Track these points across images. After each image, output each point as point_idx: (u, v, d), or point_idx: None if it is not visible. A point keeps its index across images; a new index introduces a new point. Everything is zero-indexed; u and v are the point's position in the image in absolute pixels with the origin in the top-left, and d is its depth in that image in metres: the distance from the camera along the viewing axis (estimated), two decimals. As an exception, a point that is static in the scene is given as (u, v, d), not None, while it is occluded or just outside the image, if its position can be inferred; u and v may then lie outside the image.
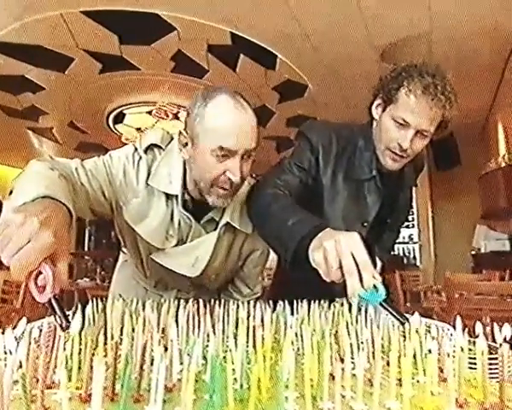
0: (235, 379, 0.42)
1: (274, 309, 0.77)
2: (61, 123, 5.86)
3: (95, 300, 0.75)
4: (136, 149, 0.94)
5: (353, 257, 0.64)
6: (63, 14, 3.45)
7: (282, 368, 0.39)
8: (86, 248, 8.88)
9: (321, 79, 4.57)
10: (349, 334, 0.62)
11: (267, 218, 0.88)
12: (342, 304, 0.80)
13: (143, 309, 0.74)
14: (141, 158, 0.93)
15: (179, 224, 0.93)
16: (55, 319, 0.50)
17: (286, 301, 0.77)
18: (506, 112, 4.52)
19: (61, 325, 0.49)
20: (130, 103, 5.22)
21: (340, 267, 0.65)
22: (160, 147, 0.95)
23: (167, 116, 4.93)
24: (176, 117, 5.15)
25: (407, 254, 6.64)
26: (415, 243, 6.70)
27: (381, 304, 0.64)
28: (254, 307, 0.75)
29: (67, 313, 0.55)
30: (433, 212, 6.72)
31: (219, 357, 0.43)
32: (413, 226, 6.50)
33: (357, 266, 0.64)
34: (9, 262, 0.52)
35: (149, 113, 5.34)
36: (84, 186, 0.85)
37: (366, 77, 4.27)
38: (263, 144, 6.58)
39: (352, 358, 0.50)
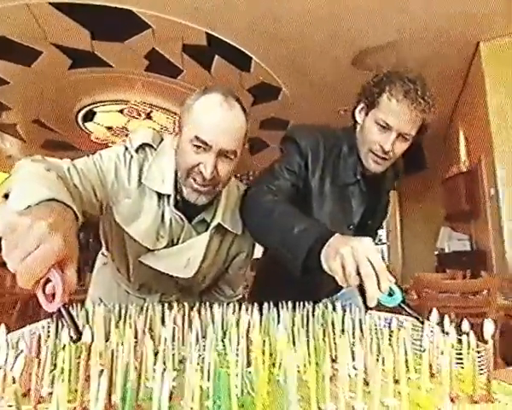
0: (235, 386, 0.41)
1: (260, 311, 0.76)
2: (25, 119, 5.57)
3: (75, 305, 0.71)
4: (126, 149, 0.91)
5: (370, 262, 0.65)
6: (29, 4, 3.28)
7: (285, 371, 0.38)
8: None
9: (294, 83, 4.62)
10: (334, 335, 0.62)
11: (270, 227, 0.87)
12: (326, 305, 0.80)
13: (125, 314, 0.71)
14: (132, 157, 0.91)
15: (170, 224, 0.92)
16: (66, 330, 0.46)
17: (271, 303, 0.77)
18: (466, 120, 4.77)
19: (71, 337, 0.44)
20: (101, 101, 5.05)
21: (358, 273, 0.66)
22: (151, 146, 0.93)
23: (140, 115, 4.80)
24: (148, 117, 5.02)
25: (376, 254, 6.86)
26: (383, 243, 6.94)
27: (399, 305, 0.65)
28: (240, 309, 0.74)
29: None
30: (401, 214, 6.99)
31: (222, 364, 0.41)
32: (382, 227, 6.73)
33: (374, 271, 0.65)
34: (16, 269, 0.47)
35: (121, 111, 5.18)
36: (78, 188, 0.81)
37: (338, 81, 4.38)
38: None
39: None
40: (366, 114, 1.00)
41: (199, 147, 0.82)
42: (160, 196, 0.91)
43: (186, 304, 0.74)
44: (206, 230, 0.94)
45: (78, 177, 0.82)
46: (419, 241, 6.57)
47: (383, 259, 7.10)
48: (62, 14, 3.40)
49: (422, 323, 0.59)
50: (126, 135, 5.41)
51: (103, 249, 1.12)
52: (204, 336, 0.65)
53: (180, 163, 0.87)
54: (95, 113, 5.40)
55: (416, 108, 0.91)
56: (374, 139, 0.96)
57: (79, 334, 0.44)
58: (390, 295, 0.65)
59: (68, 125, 5.76)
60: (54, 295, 0.49)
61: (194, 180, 0.85)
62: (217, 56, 4.07)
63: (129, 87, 4.66)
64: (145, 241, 0.90)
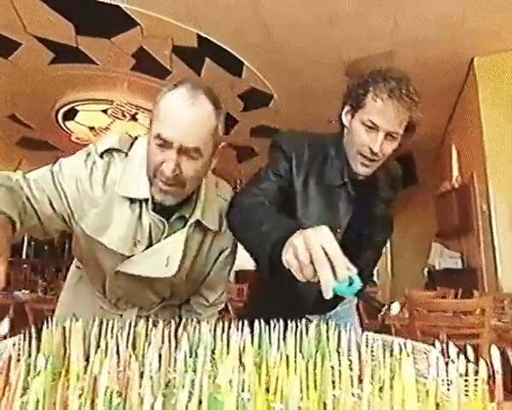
0: None
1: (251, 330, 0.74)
2: (0, 114, 5.44)
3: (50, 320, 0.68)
4: (89, 154, 0.90)
5: (324, 250, 0.62)
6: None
7: (285, 400, 0.36)
8: (24, 256, 8.23)
9: (287, 90, 4.67)
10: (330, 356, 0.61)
11: (246, 226, 0.88)
12: (318, 324, 0.79)
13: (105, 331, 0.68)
14: (95, 163, 0.89)
15: (150, 228, 0.90)
16: None
17: (262, 321, 0.75)
18: (459, 136, 4.89)
19: None
20: (84, 100, 4.98)
21: (312, 263, 0.63)
22: (120, 151, 0.91)
23: (124, 117, 4.74)
24: (134, 118, 4.97)
25: (364, 269, 6.94)
26: (372, 258, 7.03)
27: (356, 294, 0.62)
28: (229, 327, 0.72)
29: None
30: (392, 228, 7.09)
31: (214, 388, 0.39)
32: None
33: (328, 259, 0.62)
34: None
35: (105, 111, 5.12)
36: (30, 201, 0.80)
37: (331, 91, 4.44)
38: (224, 153, 6.56)
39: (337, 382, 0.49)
40: (352, 117, 1.02)
41: (162, 145, 0.81)
42: (131, 200, 0.89)
43: (172, 321, 0.72)
44: (184, 227, 0.93)
45: (29, 190, 0.82)
46: (409, 256, 6.66)
47: (372, 274, 7.19)
48: (44, 4, 3.33)
49: (380, 310, 0.59)
50: (110, 136, 5.33)
51: (77, 262, 1.09)
52: (191, 356, 0.63)
53: (148, 162, 0.86)
54: (77, 111, 5.32)
55: (402, 105, 0.93)
56: (361, 141, 0.99)
57: None
58: (350, 285, 0.62)
59: (47, 123, 5.66)
60: None
61: (160, 180, 0.84)
62: (207, 59, 4.08)
63: (114, 86, 4.61)
64: (121, 248, 0.89)
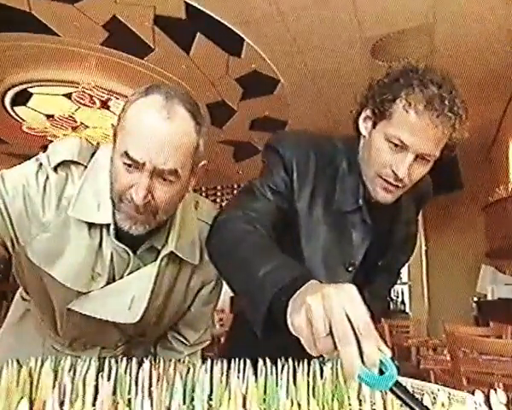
0: None
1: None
2: None
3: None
4: (41, 166, 0.91)
5: (348, 319, 0.56)
6: None
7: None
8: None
9: (297, 75, 4.70)
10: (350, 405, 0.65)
11: (233, 264, 0.87)
12: (323, 363, 0.80)
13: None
14: (48, 178, 0.90)
15: (111, 259, 0.93)
16: None
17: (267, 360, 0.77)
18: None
19: None
20: (40, 80, 5.00)
21: (331, 334, 0.57)
22: (78, 163, 0.93)
23: (93, 103, 4.80)
24: (105, 105, 5.03)
25: (394, 297, 6.89)
26: (404, 283, 6.97)
27: (391, 390, 0.55)
28: (229, 367, 0.76)
29: None
30: (427, 246, 7.07)
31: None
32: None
33: (354, 331, 0.56)
34: None
35: (68, 96, 5.17)
36: None
37: (352, 76, 4.47)
38: (218, 150, 6.61)
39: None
40: (374, 126, 0.98)
41: (130, 165, 0.83)
42: (90, 224, 0.91)
43: (162, 361, 0.75)
44: (156, 259, 0.95)
45: None
46: (450, 281, 6.63)
47: (403, 303, 7.08)
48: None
49: None
50: (74, 128, 5.37)
51: (22, 292, 1.12)
52: (184, 402, 0.67)
53: (113, 183, 0.88)
54: (30, 94, 5.35)
55: (443, 122, 0.88)
56: (383, 161, 0.96)
57: None
58: (381, 372, 0.55)
59: (-9, 109, 5.68)
60: None
61: (128, 206, 0.85)
62: (198, 34, 4.12)
63: (80, 65, 4.64)
64: (75, 284, 0.91)
